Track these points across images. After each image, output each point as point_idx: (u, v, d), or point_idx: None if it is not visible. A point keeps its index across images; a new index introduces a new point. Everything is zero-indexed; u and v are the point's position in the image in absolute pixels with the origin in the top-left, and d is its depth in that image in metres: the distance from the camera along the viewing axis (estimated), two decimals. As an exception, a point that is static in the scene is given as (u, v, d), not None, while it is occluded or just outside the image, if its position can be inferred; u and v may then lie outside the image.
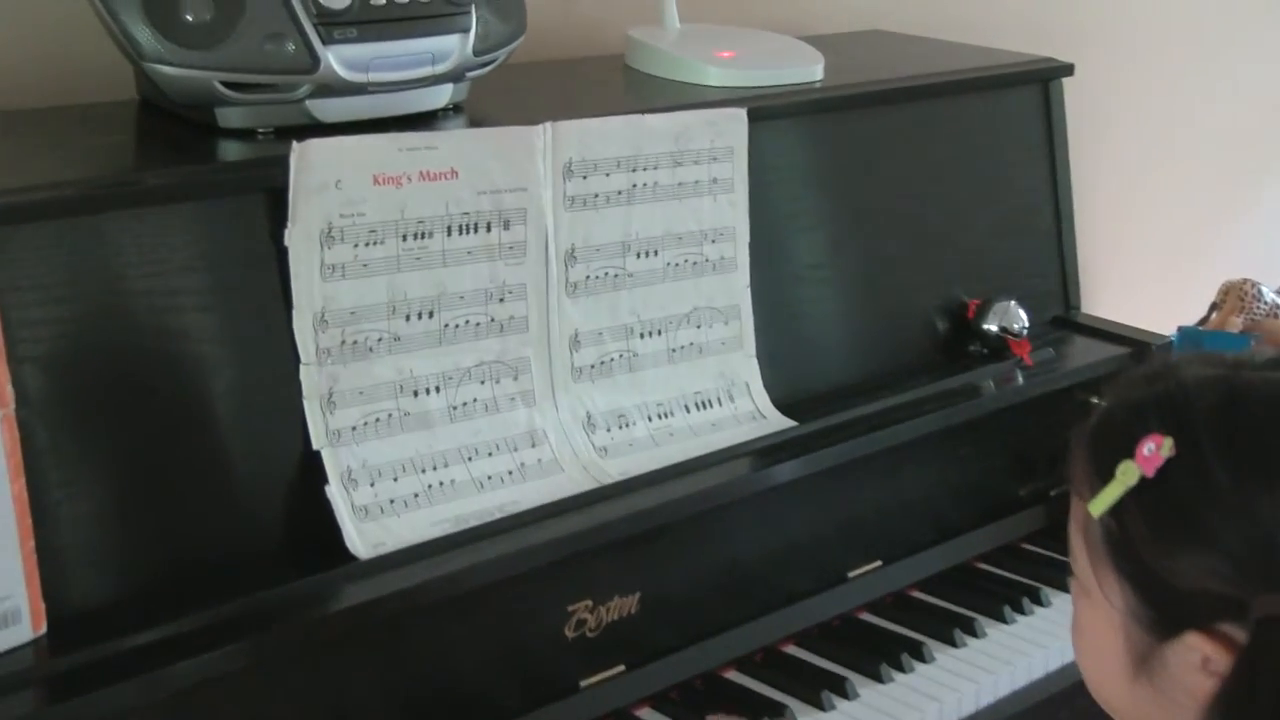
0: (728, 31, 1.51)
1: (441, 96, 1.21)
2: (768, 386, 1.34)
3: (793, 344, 1.38)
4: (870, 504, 1.37)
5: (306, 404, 1.10)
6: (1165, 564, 0.82)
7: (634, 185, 1.25)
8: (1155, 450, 0.81)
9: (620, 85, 1.45)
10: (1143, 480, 0.82)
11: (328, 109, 1.14)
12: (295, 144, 1.07)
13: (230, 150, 1.14)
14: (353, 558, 1.08)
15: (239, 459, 1.07)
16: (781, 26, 1.60)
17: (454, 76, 1.19)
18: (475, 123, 1.25)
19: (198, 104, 1.12)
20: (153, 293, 1.04)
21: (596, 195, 1.23)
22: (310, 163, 1.08)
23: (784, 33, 1.55)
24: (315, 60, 1.11)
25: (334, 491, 1.10)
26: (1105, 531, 0.85)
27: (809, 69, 1.43)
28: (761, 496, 1.28)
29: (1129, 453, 0.82)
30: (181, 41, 1.08)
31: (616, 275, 1.25)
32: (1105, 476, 0.83)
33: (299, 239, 1.09)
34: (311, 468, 1.10)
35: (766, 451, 1.30)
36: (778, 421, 1.33)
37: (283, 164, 1.06)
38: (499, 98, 1.31)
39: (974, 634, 1.35)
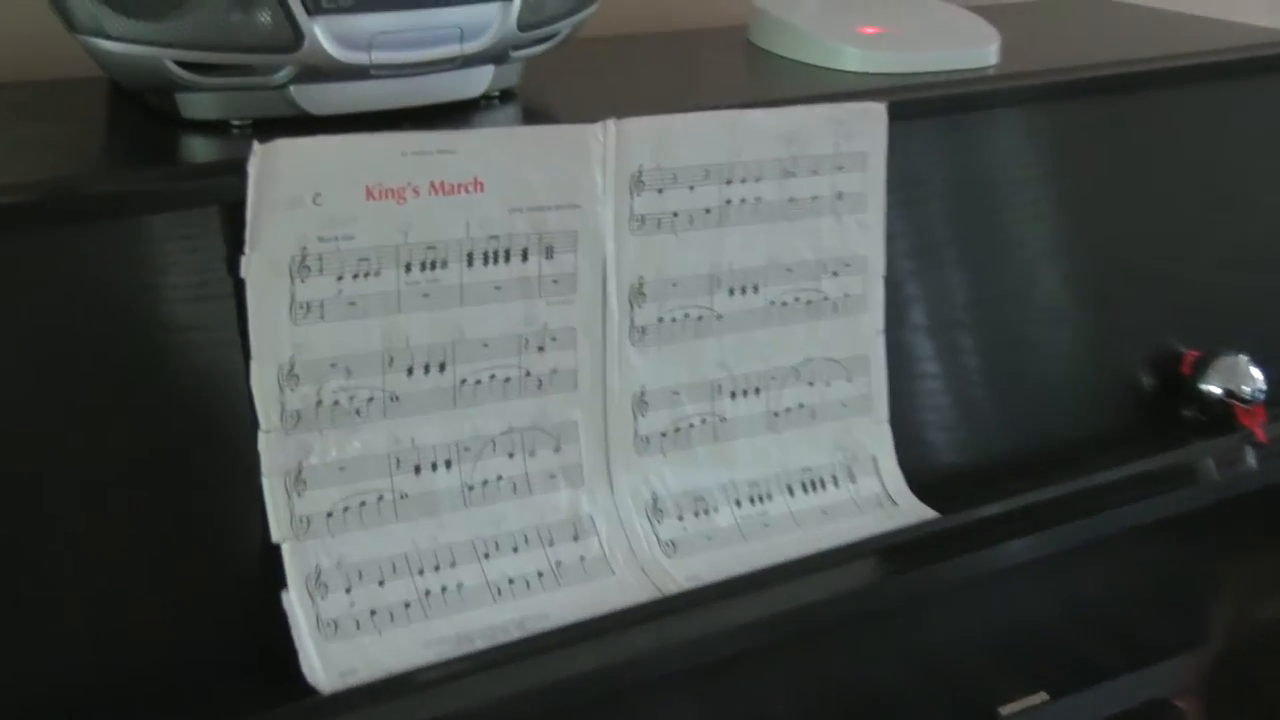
0: (882, -1, 1.27)
1: (477, 83, 1.00)
2: (901, 463, 1.10)
3: (937, 407, 1.13)
4: (1034, 619, 1.12)
5: (266, 482, 0.90)
6: None
7: (727, 201, 1.03)
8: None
9: (730, 68, 1.21)
10: None
11: (319, 98, 0.94)
12: (257, 145, 0.87)
13: (193, 148, 0.95)
14: (310, 691, 0.87)
15: (156, 552, 0.88)
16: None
17: (493, 56, 0.98)
18: (529, 116, 1.03)
19: (153, 88, 0.92)
20: (60, 330, 0.84)
21: (675, 214, 1.01)
22: (278, 170, 0.88)
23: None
24: (298, 35, 0.90)
25: (293, 599, 0.89)
26: None
27: (980, 50, 1.18)
28: (887, 611, 1.04)
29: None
30: (124, 9, 0.88)
31: (700, 317, 1.02)
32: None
33: (260, 269, 0.88)
34: (263, 567, 0.89)
35: (897, 551, 1.06)
36: (913, 510, 1.08)
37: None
38: (566, 84, 1.08)
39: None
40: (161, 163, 0.92)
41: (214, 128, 0.94)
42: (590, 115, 0.98)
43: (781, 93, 1.09)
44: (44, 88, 1.03)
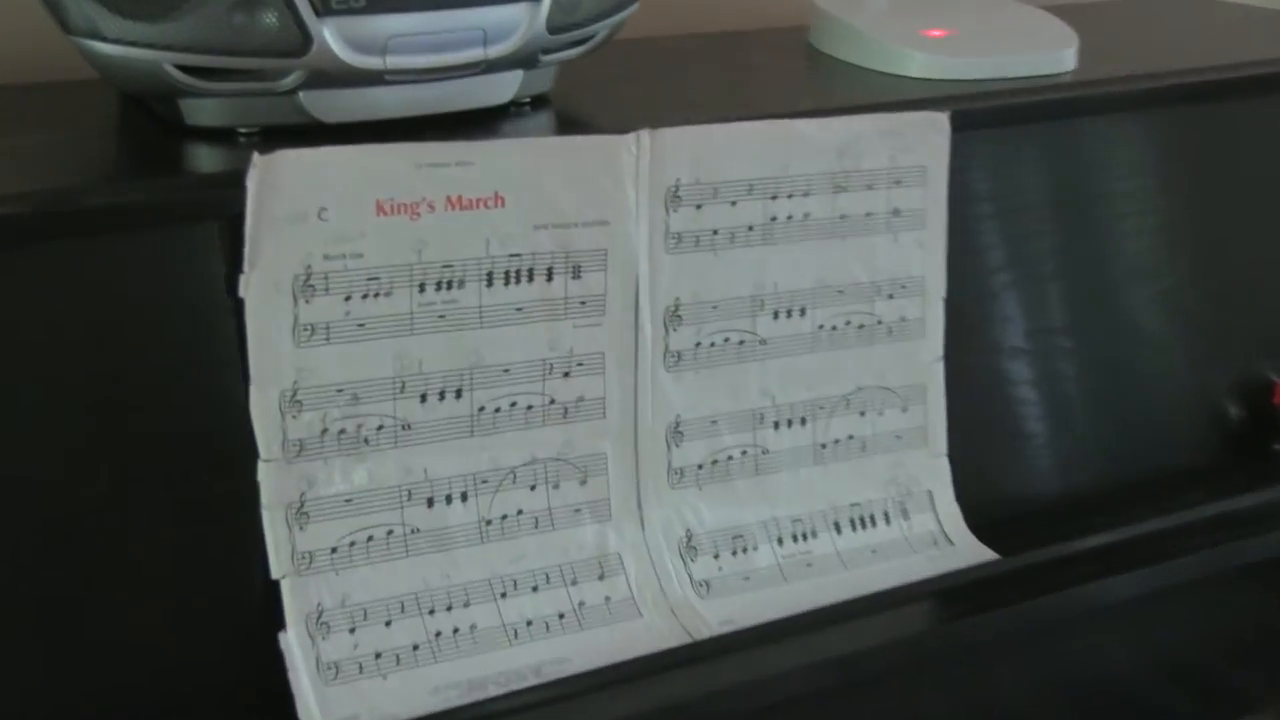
0: None
1: (504, 89, 0.94)
2: (959, 499, 1.03)
3: (999, 439, 1.06)
4: (1102, 670, 1.05)
5: (265, 515, 0.84)
6: None
7: (772, 218, 0.96)
8: None
9: (784, 74, 1.14)
10: None
11: (331, 104, 0.88)
12: (256, 157, 0.81)
13: (197, 157, 0.89)
14: (305, 739, 0.82)
15: (147, 586, 0.83)
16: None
17: (521, 61, 0.91)
18: (563, 124, 0.97)
19: (153, 92, 0.87)
20: (48, 349, 0.80)
21: (715, 232, 0.94)
22: (280, 183, 0.82)
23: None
24: (306, 38, 0.85)
25: (291, 639, 0.84)
26: None
27: (1056, 54, 1.10)
28: (942, 662, 0.97)
29: None
30: (120, 9, 0.83)
31: (742, 341, 0.96)
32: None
33: (260, 288, 0.83)
34: (262, 605, 0.84)
35: (953, 595, 0.99)
36: (971, 550, 1.01)
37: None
38: (607, 89, 1.02)
39: None
40: (159, 173, 0.87)
41: (220, 135, 0.89)
42: (630, 122, 0.92)
43: (837, 100, 1.02)
44: (47, 90, 0.99)
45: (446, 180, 0.86)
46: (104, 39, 0.84)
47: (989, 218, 1.05)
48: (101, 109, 0.95)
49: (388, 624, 0.86)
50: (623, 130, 0.91)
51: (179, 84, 0.85)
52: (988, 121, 1.03)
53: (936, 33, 1.09)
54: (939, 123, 1.00)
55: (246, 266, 0.82)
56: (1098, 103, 1.09)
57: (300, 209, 0.83)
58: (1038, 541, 1.02)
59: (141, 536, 0.83)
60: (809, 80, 1.12)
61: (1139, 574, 1.02)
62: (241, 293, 0.82)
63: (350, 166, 0.84)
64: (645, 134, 0.91)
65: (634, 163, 0.91)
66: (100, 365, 0.82)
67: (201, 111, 0.88)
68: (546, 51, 0.94)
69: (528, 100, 0.97)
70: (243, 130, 0.89)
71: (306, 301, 0.84)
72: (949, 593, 0.99)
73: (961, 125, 1.00)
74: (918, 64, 1.08)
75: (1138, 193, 1.11)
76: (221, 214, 0.83)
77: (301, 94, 0.87)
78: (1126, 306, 1.11)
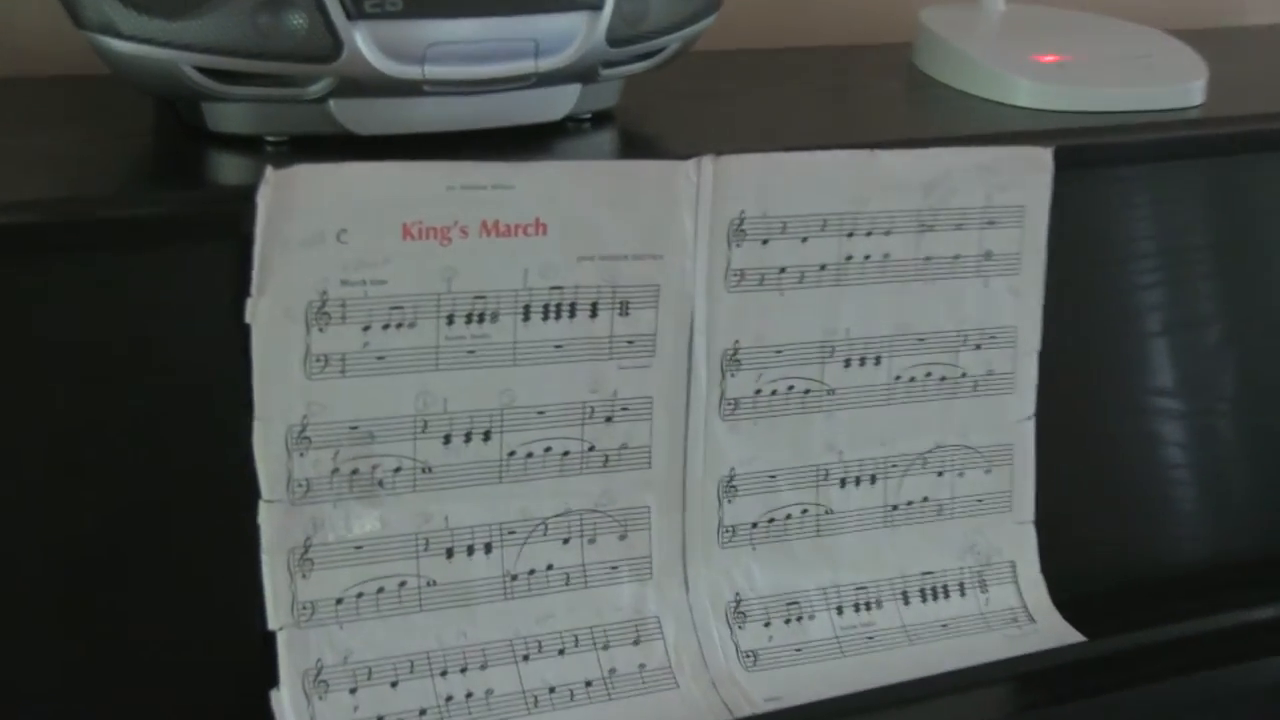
0: (1072, 19, 1.09)
1: (559, 104, 0.86)
2: (1045, 572, 0.94)
3: (1090, 508, 0.97)
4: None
5: (265, 559, 0.78)
6: None
7: (848, 257, 0.88)
8: None
9: (877, 97, 1.05)
10: None
11: (364, 115, 0.81)
12: (269, 172, 0.74)
13: (218, 166, 0.83)
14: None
15: (134, 630, 0.76)
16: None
17: (578, 74, 0.84)
18: (626, 145, 0.89)
19: (172, 95, 0.81)
20: (41, 371, 0.74)
21: (783, 270, 0.86)
22: (296, 200, 0.76)
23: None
24: (336, 42, 0.78)
25: (284, 699, 0.78)
26: None
27: (1182, 87, 1.00)
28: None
29: None
30: (136, 3, 0.77)
31: (808, 391, 0.88)
32: None
33: (270, 314, 0.77)
34: (253, 659, 0.77)
35: (1032, 680, 0.90)
36: (1055, 630, 0.92)
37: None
38: (680, 107, 0.94)
39: None
40: (174, 183, 0.81)
41: (245, 144, 0.82)
42: (700, 144, 0.85)
43: (929, 129, 0.94)
44: (79, 85, 0.93)
45: (482, 203, 0.79)
46: (119, 35, 0.78)
47: (1093, 265, 0.96)
48: (136, 108, 0.88)
49: (394, 685, 0.80)
50: (691, 153, 0.83)
51: (198, 87, 0.79)
52: (1098, 160, 0.94)
53: (1049, 58, 1.00)
54: (1041, 159, 0.91)
55: (255, 290, 0.76)
56: (1228, 142, 0.99)
57: (318, 230, 0.76)
58: (1132, 623, 0.93)
59: (132, 575, 0.76)
60: (903, 106, 1.03)
61: (1246, 667, 0.92)
62: (248, 318, 0.76)
63: (375, 185, 0.78)
64: (708, 160, 0.84)
65: (693, 191, 0.83)
66: (99, 391, 0.75)
67: (225, 117, 0.82)
68: (608, 65, 0.86)
69: (588, 116, 0.89)
70: (270, 139, 0.82)
71: (320, 330, 0.77)
72: (1028, 678, 0.90)
73: (1068, 163, 0.91)
74: (1025, 92, 0.98)
75: (1267, 243, 1.00)
76: (238, 231, 0.76)
77: (332, 103, 0.80)
78: (1248, 365, 1.01)
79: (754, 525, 0.88)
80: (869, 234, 0.88)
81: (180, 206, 0.78)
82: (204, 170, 0.82)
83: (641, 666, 0.84)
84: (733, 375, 0.86)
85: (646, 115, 0.92)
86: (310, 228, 0.76)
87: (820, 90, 1.05)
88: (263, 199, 0.75)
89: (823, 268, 0.87)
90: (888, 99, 1.04)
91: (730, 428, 0.86)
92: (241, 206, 0.75)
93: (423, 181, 0.78)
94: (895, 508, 0.91)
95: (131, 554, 0.76)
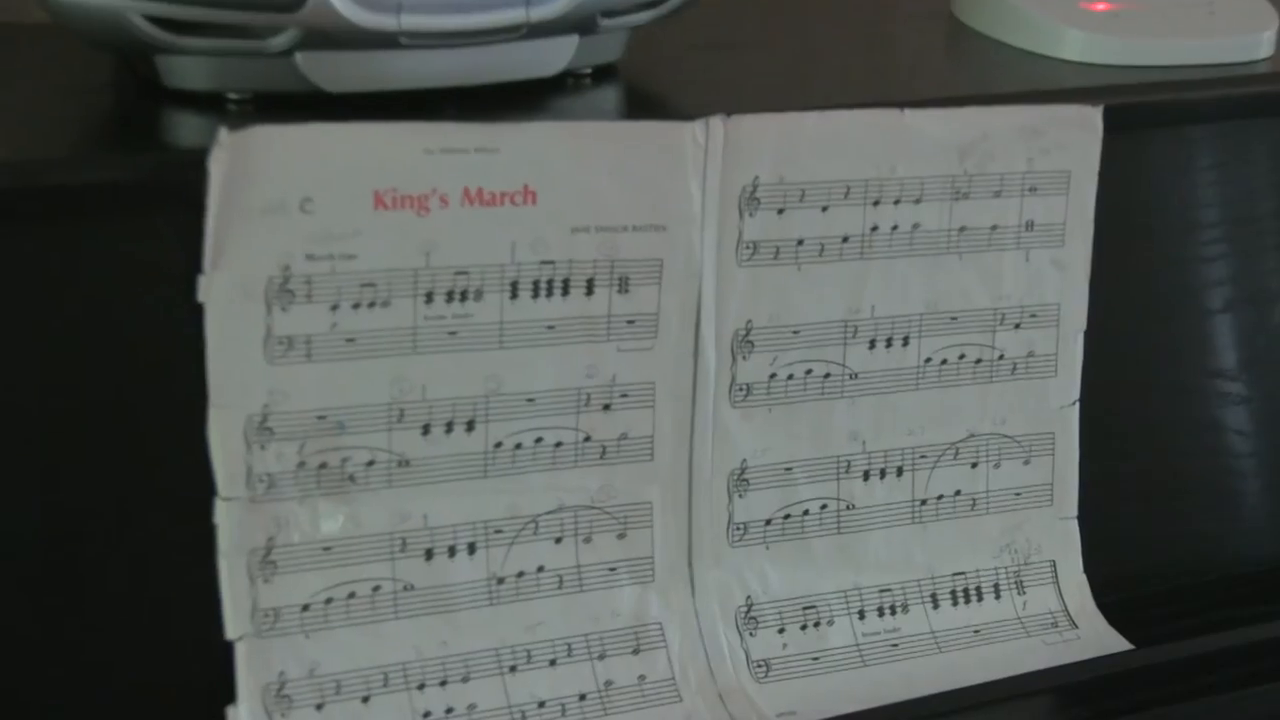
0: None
1: (555, 58, 0.79)
2: (1089, 572, 0.87)
3: (1141, 503, 0.90)
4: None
5: (222, 563, 0.71)
6: None
7: (873, 227, 0.81)
8: None
9: (912, 50, 0.97)
10: None
11: (334, 71, 0.74)
12: (224, 134, 0.67)
13: (174, 127, 0.76)
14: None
15: (77, 642, 0.70)
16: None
17: (574, 25, 0.76)
18: (629, 104, 0.82)
19: (122, 47, 0.74)
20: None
21: (801, 242, 0.79)
22: (253, 165, 0.69)
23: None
24: (301, -10, 0.70)
25: (243, 716, 0.71)
26: None
27: (1249, 37, 0.93)
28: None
29: None
30: (80, -53, 0.69)
31: (828, 374, 0.81)
32: None
33: (225, 292, 0.70)
34: (209, 673, 0.71)
35: (1073, 692, 0.83)
36: (1099, 636, 0.86)
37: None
38: (689, 63, 0.87)
39: None
40: (122, 146, 0.74)
41: (205, 101, 0.75)
42: (712, 102, 0.78)
43: (965, 86, 0.87)
44: (36, 33, 0.86)
45: (464, 169, 0.72)
46: (61, -20, 0.70)
47: (1147, 236, 0.88)
48: (92, 62, 0.82)
49: (365, 700, 0.74)
50: (700, 113, 0.76)
51: (148, 38, 0.72)
52: (1154, 119, 0.87)
53: (1100, 6, 0.92)
54: (1090, 119, 0.84)
55: (208, 266, 0.69)
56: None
57: (279, 198, 0.70)
58: (1185, 630, 0.86)
59: (74, 579, 0.70)
60: (938, 59, 0.95)
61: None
62: (201, 297, 0.69)
63: (343, 148, 0.71)
64: (717, 121, 0.76)
65: (701, 155, 0.76)
66: (37, 376, 0.69)
67: (182, 73, 0.75)
68: (608, 14, 0.78)
69: (587, 72, 0.82)
70: (232, 97, 0.75)
71: (283, 310, 0.71)
72: (1069, 690, 0.83)
73: (1120, 123, 0.84)
74: (1073, 44, 0.91)
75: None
76: (196, 200, 0.69)
77: (299, 56, 0.74)
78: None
79: (768, 522, 0.81)
80: (897, 202, 0.81)
81: (128, 171, 0.71)
82: (157, 131, 0.76)
83: (642, 678, 0.78)
84: (744, 358, 0.80)
85: (654, 71, 0.85)
86: (271, 196, 0.69)
87: (846, 42, 0.98)
88: (216, 163, 0.68)
89: (845, 240, 0.80)
90: (921, 52, 0.97)
91: (742, 416, 0.80)
92: (196, 172, 0.68)
93: (397, 144, 0.71)
94: (924, 502, 0.85)
95: (75, 555, 0.70)
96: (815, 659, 0.82)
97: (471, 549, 0.76)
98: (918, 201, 0.81)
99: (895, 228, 0.81)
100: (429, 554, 0.75)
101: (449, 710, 0.75)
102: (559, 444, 0.76)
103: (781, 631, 0.81)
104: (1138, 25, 0.92)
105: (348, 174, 0.70)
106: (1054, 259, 0.85)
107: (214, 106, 0.76)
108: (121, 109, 0.79)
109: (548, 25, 0.76)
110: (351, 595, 0.73)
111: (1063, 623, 0.86)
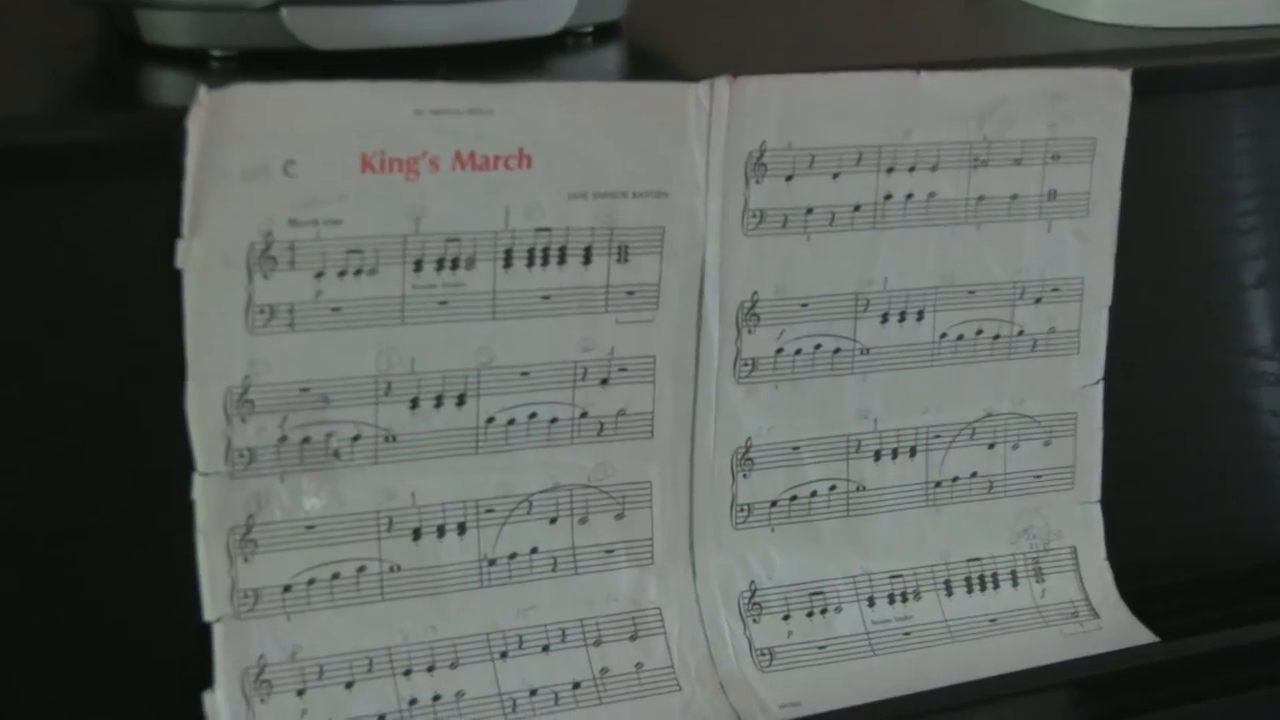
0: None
1: (553, 14, 0.77)
2: (1112, 559, 0.85)
3: (1168, 485, 0.88)
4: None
5: (200, 541, 0.69)
6: None
7: (886, 196, 0.78)
8: None
9: (930, 10, 0.94)
10: None
11: (321, 27, 0.72)
12: (203, 91, 0.65)
13: (153, 85, 0.74)
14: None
15: (50, 625, 0.69)
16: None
17: (574, -20, 0.74)
18: (631, 64, 0.80)
19: (106, 0, 0.72)
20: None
21: (810, 211, 0.77)
22: (234, 126, 0.67)
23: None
24: (284, -59, 0.68)
25: (220, 702, 0.70)
26: None
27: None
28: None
29: None
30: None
31: (838, 349, 0.79)
32: None
33: (203, 259, 0.68)
34: (186, 656, 0.69)
35: (1093, 686, 0.81)
36: (1121, 626, 0.84)
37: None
38: (696, 21, 0.85)
39: None
40: (98, 103, 0.72)
41: (188, 58, 0.73)
42: (719, 62, 0.75)
43: (984, 47, 0.85)
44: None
45: (456, 131, 0.70)
46: (31, -70, 0.68)
47: (1177, 207, 0.86)
48: (75, 16, 0.80)
49: (349, 686, 0.72)
50: (705, 73, 0.74)
51: (129, -8, 0.69)
52: (1186, 84, 0.84)
53: (1128, -38, 0.89)
54: (1117, 83, 0.81)
55: (186, 231, 0.67)
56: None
57: (261, 160, 0.68)
58: (1213, 621, 0.84)
59: (45, 557, 0.68)
60: (957, 19, 0.93)
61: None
62: (179, 263, 0.67)
63: (329, 108, 0.68)
64: (723, 82, 0.74)
65: (705, 119, 0.74)
66: (6, 344, 0.67)
67: (163, 28, 0.73)
68: (611, -31, 0.76)
69: (589, 30, 0.80)
70: (215, 53, 0.73)
71: (265, 277, 0.69)
72: (1089, 684, 0.81)
73: (1149, 87, 0.81)
74: (1100, 3, 0.89)
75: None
76: (174, 161, 0.67)
77: (284, 11, 0.72)
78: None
79: (773, 504, 0.79)
80: (912, 169, 0.78)
81: (102, 130, 0.69)
82: (137, 89, 0.74)
83: (639, 666, 0.76)
84: (750, 332, 0.77)
85: (658, 29, 0.83)
86: (252, 158, 0.67)
87: (860, 1, 0.95)
88: (195, 123, 0.66)
89: (857, 208, 0.78)
90: (938, 11, 0.94)
91: (746, 392, 0.78)
92: (175, 131, 0.66)
93: (386, 104, 0.69)
94: (938, 485, 0.82)
95: (46, 533, 0.68)
96: (821, 648, 0.80)
97: (461, 529, 0.74)
98: (934, 169, 0.79)
99: (910, 196, 0.79)
100: (417, 534, 0.73)
101: (436, 697, 0.73)
102: (554, 420, 0.74)
103: (786, 618, 0.80)
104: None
105: (333, 135, 0.68)
106: (1077, 230, 0.82)
107: (197, 64, 0.74)
108: (101, 66, 0.77)
109: (545, -20, 0.74)
110: (335, 576, 0.72)
111: (1083, 612, 0.84)
